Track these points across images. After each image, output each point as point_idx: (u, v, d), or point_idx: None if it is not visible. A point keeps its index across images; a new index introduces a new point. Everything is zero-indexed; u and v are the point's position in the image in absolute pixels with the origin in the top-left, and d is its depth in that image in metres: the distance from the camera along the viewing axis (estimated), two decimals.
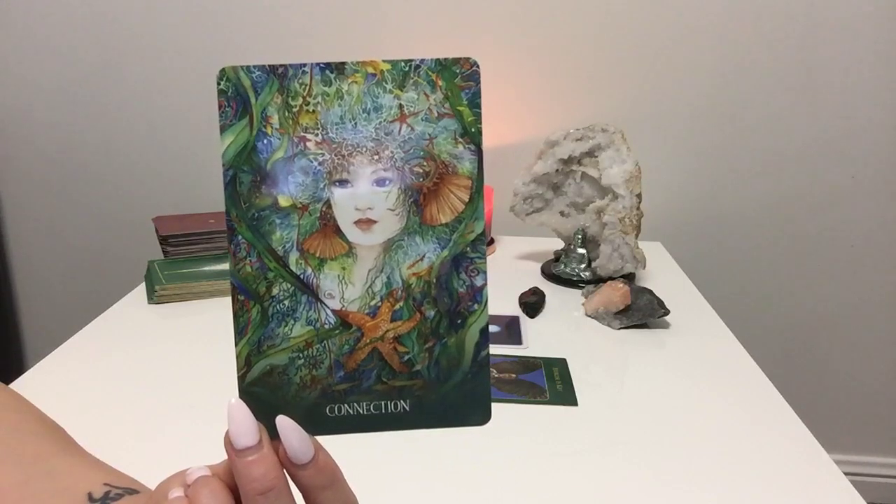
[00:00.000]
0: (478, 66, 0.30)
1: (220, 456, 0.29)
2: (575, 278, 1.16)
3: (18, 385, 0.79)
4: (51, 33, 1.43)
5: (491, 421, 0.31)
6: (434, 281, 0.31)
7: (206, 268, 1.10)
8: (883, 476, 1.56)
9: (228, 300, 1.03)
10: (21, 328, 1.66)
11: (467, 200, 0.31)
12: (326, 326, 0.31)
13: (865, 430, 1.55)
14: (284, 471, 0.29)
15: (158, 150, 1.50)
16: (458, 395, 0.31)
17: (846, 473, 0.66)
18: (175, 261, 1.13)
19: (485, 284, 0.31)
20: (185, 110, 1.46)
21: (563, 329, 0.98)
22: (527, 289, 1.08)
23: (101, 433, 0.70)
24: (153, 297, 1.03)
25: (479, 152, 0.31)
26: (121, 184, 1.53)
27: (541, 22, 1.36)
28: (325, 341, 0.31)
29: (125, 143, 1.50)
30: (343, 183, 0.30)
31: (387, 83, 0.30)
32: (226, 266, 1.10)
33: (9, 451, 0.35)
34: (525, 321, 1.01)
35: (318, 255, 0.31)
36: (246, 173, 0.30)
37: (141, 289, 1.09)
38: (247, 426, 0.28)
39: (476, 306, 0.31)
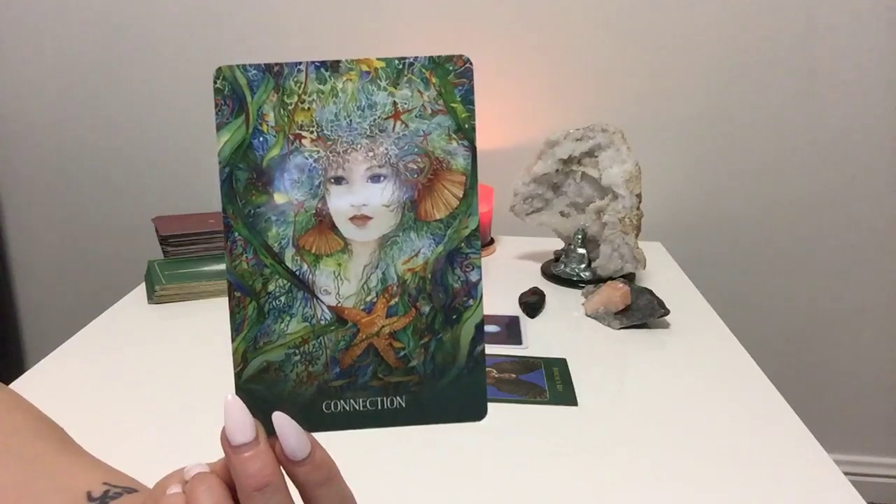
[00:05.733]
0: (471, 64, 0.31)
1: (220, 455, 0.29)
2: (575, 278, 1.16)
3: (18, 385, 0.79)
4: (51, 33, 1.43)
5: (491, 421, 0.32)
6: (429, 276, 0.31)
7: (206, 268, 1.10)
8: (883, 476, 1.56)
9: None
10: (21, 328, 1.66)
11: (461, 196, 0.31)
12: (322, 322, 0.31)
13: (865, 430, 1.54)
14: (281, 467, 0.29)
15: (158, 150, 1.50)
16: (453, 391, 0.31)
17: (846, 473, 0.66)
18: (175, 261, 1.13)
19: (479, 280, 0.31)
20: (185, 110, 1.47)
21: (563, 329, 0.98)
22: (527, 289, 1.08)
23: (101, 433, 0.70)
24: (153, 297, 1.03)
25: (472, 148, 0.31)
26: (121, 184, 1.53)
27: (541, 22, 1.36)
28: (321, 337, 0.31)
29: (125, 144, 1.50)
30: (338, 180, 0.31)
31: (381, 81, 0.30)
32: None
33: (8, 451, 0.35)
34: (525, 321, 1.01)
35: (313, 251, 0.31)
36: (242, 171, 0.30)
37: (141, 289, 1.09)
38: (243, 422, 0.28)
39: (471, 302, 0.31)
